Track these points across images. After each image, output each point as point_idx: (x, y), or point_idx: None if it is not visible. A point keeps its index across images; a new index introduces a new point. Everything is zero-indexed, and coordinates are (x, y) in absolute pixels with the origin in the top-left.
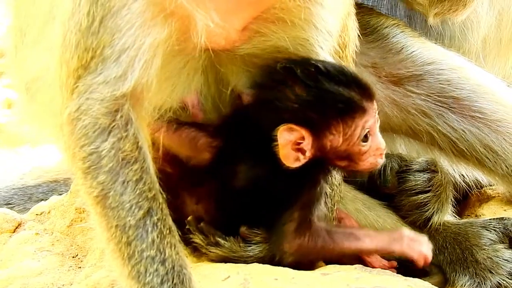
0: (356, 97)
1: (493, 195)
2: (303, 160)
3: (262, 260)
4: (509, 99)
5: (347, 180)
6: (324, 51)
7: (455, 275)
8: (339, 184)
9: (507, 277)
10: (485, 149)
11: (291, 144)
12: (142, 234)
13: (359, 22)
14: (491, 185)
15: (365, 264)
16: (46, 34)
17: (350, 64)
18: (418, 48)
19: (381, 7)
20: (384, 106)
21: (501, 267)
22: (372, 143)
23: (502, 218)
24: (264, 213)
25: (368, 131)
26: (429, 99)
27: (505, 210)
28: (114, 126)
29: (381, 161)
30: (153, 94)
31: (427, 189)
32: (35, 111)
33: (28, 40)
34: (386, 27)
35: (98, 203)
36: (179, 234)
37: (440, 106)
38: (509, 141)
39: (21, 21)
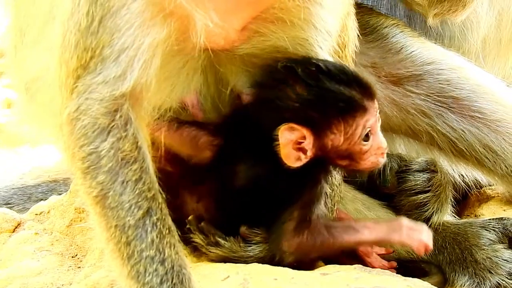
0: (357, 96)
1: (493, 195)
2: (304, 159)
3: (262, 260)
4: (508, 99)
5: (347, 180)
6: (324, 51)
7: (455, 275)
8: (339, 184)
9: (507, 277)
10: (484, 149)
11: (292, 144)
12: (141, 234)
13: (358, 22)
14: (490, 185)
15: (365, 264)
16: (46, 34)
17: (349, 64)
18: (418, 48)
19: (380, 7)
20: (383, 106)
21: (500, 267)
22: (373, 142)
23: (501, 218)
24: (265, 212)
25: (369, 130)
26: (428, 99)
27: (504, 210)
28: (113, 126)
29: (383, 160)
30: (153, 94)
31: (427, 189)
32: (35, 111)
33: (28, 40)
34: (386, 27)
35: (98, 203)
36: (178, 234)
37: (440, 106)
38: (509, 141)
39: (21, 21)
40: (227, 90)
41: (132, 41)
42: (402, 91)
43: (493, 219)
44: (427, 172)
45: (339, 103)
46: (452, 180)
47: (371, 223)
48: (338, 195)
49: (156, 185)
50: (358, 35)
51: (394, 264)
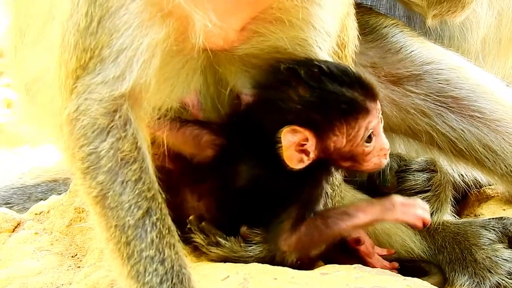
0: (359, 97)
1: (492, 195)
2: (307, 161)
3: (262, 260)
4: (508, 99)
5: (347, 180)
6: (323, 51)
7: (454, 274)
8: (339, 184)
9: (506, 277)
10: (484, 148)
11: (295, 146)
12: (141, 234)
13: (358, 22)
14: (490, 185)
15: (365, 264)
16: (46, 34)
17: (349, 64)
18: (417, 47)
19: (380, 7)
20: (383, 106)
21: (500, 267)
22: (376, 143)
23: (501, 218)
24: (265, 212)
25: (372, 132)
26: (428, 99)
27: (504, 209)
28: (112, 126)
29: (385, 161)
30: (152, 95)
31: (426, 188)
32: (35, 111)
33: (27, 40)
34: (385, 26)
35: (97, 203)
36: (178, 234)
37: (439, 105)
38: (508, 141)
39: (20, 21)
40: (226, 90)
41: (131, 42)
42: (401, 91)
43: (493, 218)
44: (426, 172)
45: (342, 105)
46: (452, 179)
47: (364, 205)
48: (338, 195)
49: (156, 185)
50: (358, 35)
51: (396, 264)
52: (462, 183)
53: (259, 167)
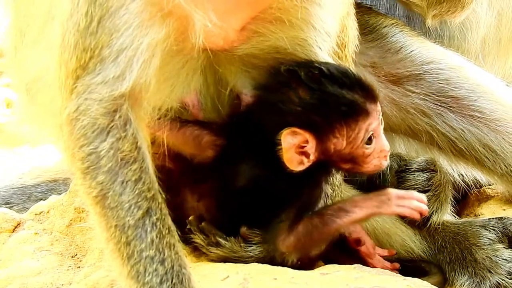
0: (359, 99)
1: (492, 195)
2: (307, 163)
3: (263, 260)
4: (508, 99)
5: (347, 180)
6: (323, 51)
7: (454, 274)
8: (339, 184)
9: (506, 277)
10: (484, 148)
11: (295, 148)
12: (141, 234)
13: (357, 22)
14: (490, 185)
15: (366, 264)
16: (46, 34)
17: (349, 64)
18: (417, 47)
19: (379, 7)
20: (383, 105)
21: (500, 267)
22: (376, 145)
23: (501, 218)
24: (265, 213)
25: (372, 134)
26: (428, 99)
27: (504, 209)
28: (112, 126)
29: (386, 163)
30: (152, 95)
31: (426, 188)
32: (35, 111)
33: (27, 40)
34: (385, 26)
35: (97, 203)
36: (178, 234)
37: (439, 105)
38: (508, 141)
39: (20, 21)
40: (226, 90)
41: (130, 42)
42: (401, 91)
43: (492, 218)
44: (426, 172)
45: (342, 107)
46: (452, 179)
47: (360, 200)
48: (338, 195)
49: (156, 185)
50: (357, 35)
51: (397, 265)
52: (462, 183)
53: (259, 168)
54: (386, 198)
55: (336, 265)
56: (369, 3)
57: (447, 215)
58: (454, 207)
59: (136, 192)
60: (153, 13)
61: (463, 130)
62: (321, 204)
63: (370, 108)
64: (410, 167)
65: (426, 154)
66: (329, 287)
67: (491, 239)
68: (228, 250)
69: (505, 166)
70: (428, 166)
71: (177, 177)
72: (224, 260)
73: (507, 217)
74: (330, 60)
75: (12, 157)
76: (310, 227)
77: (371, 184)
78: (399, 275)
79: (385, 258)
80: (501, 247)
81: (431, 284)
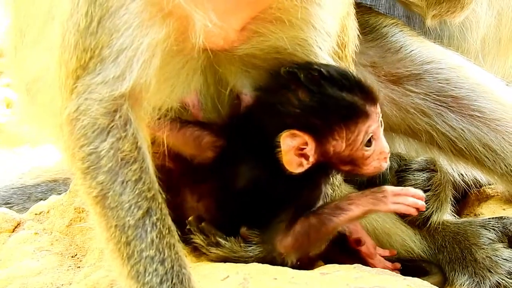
0: (359, 102)
1: (492, 194)
2: (306, 165)
3: (263, 260)
4: (508, 98)
5: (347, 179)
6: (323, 51)
7: (454, 274)
8: (339, 184)
9: (506, 276)
10: (484, 148)
11: (294, 150)
12: (141, 234)
13: (357, 21)
14: (490, 184)
15: (366, 264)
16: (46, 34)
17: (349, 64)
18: (417, 47)
19: (379, 7)
20: (383, 105)
21: (500, 266)
22: (375, 147)
23: (501, 217)
24: (264, 214)
25: (372, 136)
26: (428, 98)
27: (504, 209)
28: (113, 126)
29: (385, 165)
30: (152, 95)
31: (426, 188)
32: (35, 111)
33: (27, 41)
34: (385, 26)
35: (98, 203)
36: (178, 234)
37: (439, 105)
38: (508, 140)
39: (20, 21)
40: (226, 90)
41: (131, 42)
42: (401, 91)
43: (492, 218)
44: (426, 172)
45: (341, 109)
46: (452, 179)
47: (356, 197)
48: (339, 196)
49: (156, 185)
50: (358, 35)
51: (398, 265)
52: (462, 182)
53: (259, 169)
54: (382, 195)
55: (336, 265)
56: (368, 3)
57: (447, 215)
58: (454, 206)
59: (136, 192)
60: (153, 13)
61: (463, 130)
62: (319, 204)
63: (370, 110)
64: (410, 167)
65: (426, 153)
66: (329, 287)
67: (491, 239)
68: (228, 250)
69: (505, 165)
70: (428, 166)
71: (177, 177)
72: (224, 260)
73: (507, 217)
74: (330, 60)
75: (12, 157)
76: (307, 226)
77: (371, 184)
78: (399, 274)
79: (386, 258)
80: (501, 247)
81: (431, 283)
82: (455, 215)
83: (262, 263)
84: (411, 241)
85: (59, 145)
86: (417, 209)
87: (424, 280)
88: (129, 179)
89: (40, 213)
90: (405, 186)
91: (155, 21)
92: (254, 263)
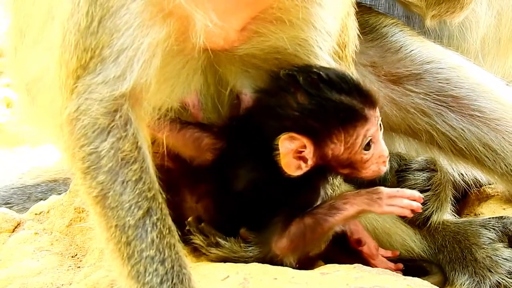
0: (357, 105)
1: (492, 194)
2: (305, 168)
3: (263, 260)
4: (508, 98)
5: (347, 179)
6: (323, 51)
7: (455, 274)
8: (339, 184)
9: (506, 276)
10: (484, 148)
11: (293, 153)
12: (141, 234)
13: (357, 21)
14: (490, 184)
15: (367, 264)
16: (46, 34)
17: (349, 64)
18: (417, 47)
19: (379, 7)
20: (383, 105)
21: (500, 266)
22: (374, 151)
23: (501, 217)
24: (263, 215)
25: (371, 139)
26: (428, 98)
27: (504, 209)
28: (113, 126)
29: (384, 168)
30: (153, 95)
31: (427, 188)
32: (35, 111)
33: (28, 41)
34: (385, 26)
35: (98, 203)
36: (178, 234)
37: (439, 105)
38: (508, 140)
39: (20, 21)
40: (226, 90)
41: (131, 42)
42: (401, 90)
43: (493, 218)
44: (426, 171)
45: (340, 113)
46: (452, 179)
47: (350, 196)
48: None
49: (156, 185)
50: (357, 35)
51: (400, 266)
52: (462, 182)
53: (258, 171)
54: (377, 197)
55: (336, 265)
56: (368, 3)
57: (447, 215)
58: (454, 206)
59: (137, 192)
60: (154, 13)
61: (463, 130)
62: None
63: (369, 114)
64: (410, 167)
65: (426, 153)
66: (329, 287)
67: (491, 239)
68: (228, 250)
69: (505, 165)
70: (428, 166)
71: (177, 177)
72: (224, 260)
73: (507, 216)
74: (330, 60)
75: (12, 157)
76: (303, 227)
77: (371, 184)
78: (399, 274)
79: (388, 258)
80: (501, 246)
81: (432, 283)
82: (455, 215)
83: (262, 263)
84: (411, 241)
85: (59, 145)
86: (412, 210)
87: (424, 280)
88: (129, 179)
89: (40, 213)
90: (405, 186)
91: (156, 21)
92: (254, 263)
